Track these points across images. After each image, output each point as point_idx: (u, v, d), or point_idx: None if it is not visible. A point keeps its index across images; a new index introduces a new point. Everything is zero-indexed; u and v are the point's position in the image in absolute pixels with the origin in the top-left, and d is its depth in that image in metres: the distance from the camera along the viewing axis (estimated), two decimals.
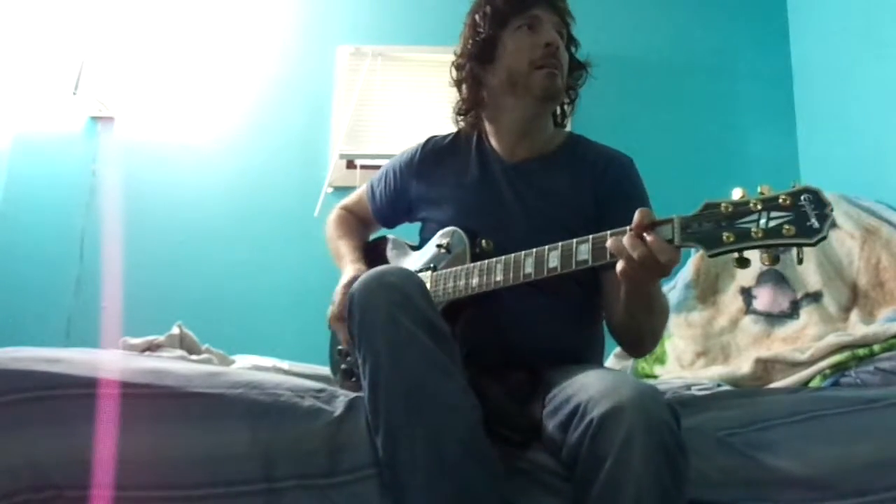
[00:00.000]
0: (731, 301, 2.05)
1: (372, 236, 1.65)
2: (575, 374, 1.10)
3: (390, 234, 1.58)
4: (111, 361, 1.18)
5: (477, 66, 1.41)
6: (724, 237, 0.92)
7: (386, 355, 1.00)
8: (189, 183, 2.78)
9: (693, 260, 2.18)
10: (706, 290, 2.12)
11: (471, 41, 1.42)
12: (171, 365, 1.20)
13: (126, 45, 2.83)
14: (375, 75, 2.87)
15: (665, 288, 1.96)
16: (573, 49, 1.45)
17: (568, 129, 1.54)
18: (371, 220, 1.62)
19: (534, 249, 1.15)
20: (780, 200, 0.90)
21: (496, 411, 1.09)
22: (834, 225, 1.96)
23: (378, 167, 2.73)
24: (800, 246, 0.90)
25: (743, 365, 1.70)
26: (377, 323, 1.02)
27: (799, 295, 1.90)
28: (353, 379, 1.34)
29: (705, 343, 1.97)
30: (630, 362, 2.05)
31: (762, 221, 0.90)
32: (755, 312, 1.96)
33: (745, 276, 2.04)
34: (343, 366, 1.39)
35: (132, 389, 1.06)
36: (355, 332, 1.05)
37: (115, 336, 1.84)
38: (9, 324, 2.50)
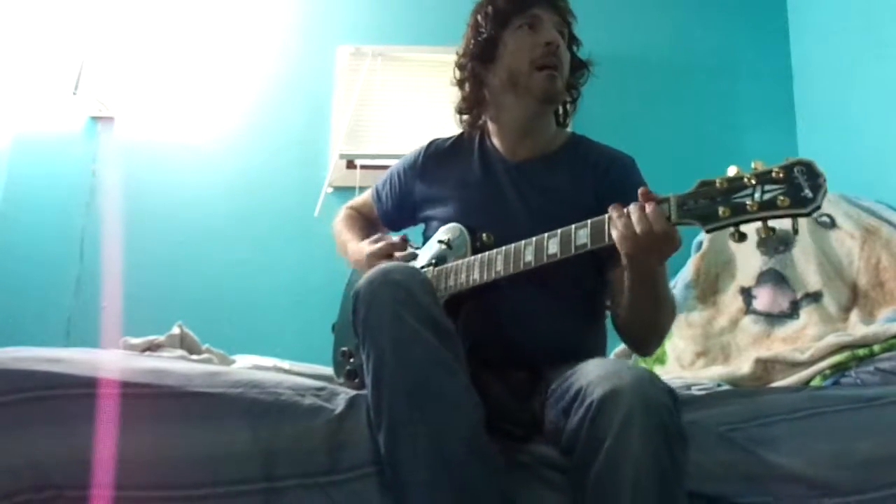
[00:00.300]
0: (731, 301, 2.05)
1: None
2: (576, 367, 1.10)
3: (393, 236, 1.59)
4: (112, 361, 1.18)
5: (478, 66, 1.42)
6: (721, 212, 0.94)
7: (390, 352, 1.00)
8: (189, 183, 2.78)
9: (693, 260, 2.18)
10: (706, 290, 2.12)
11: (472, 41, 1.43)
12: (172, 364, 1.20)
13: (126, 45, 2.83)
14: (375, 75, 2.87)
15: None
16: (575, 48, 1.46)
17: (569, 127, 1.54)
18: (378, 223, 1.63)
19: (533, 238, 1.16)
20: (774, 174, 0.91)
21: (497, 406, 1.09)
22: (834, 224, 1.97)
23: (378, 167, 2.77)
24: (795, 216, 0.91)
25: (743, 365, 1.70)
26: (382, 320, 1.02)
27: (799, 295, 1.90)
28: (357, 380, 1.34)
29: (705, 343, 1.97)
30: (630, 361, 2.05)
31: (757, 195, 0.92)
32: (755, 312, 1.96)
33: (745, 277, 2.04)
34: (347, 367, 1.39)
35: (133, 389, 1.06)
36: (360, 328, 1.06)
37: (115, 336, 1.85)
38: (9, 324, 2.50)
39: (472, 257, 1.26)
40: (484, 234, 1.30)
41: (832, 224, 1.98)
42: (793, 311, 1.88)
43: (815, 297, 1.87)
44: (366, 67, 2.85)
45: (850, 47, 2.41)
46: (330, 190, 2.73)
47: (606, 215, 1.07)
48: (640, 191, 1.03)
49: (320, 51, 2.92)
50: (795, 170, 0.90)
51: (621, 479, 0.90)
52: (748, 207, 0.92)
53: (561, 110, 1.49)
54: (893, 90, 2.14)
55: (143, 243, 2.63)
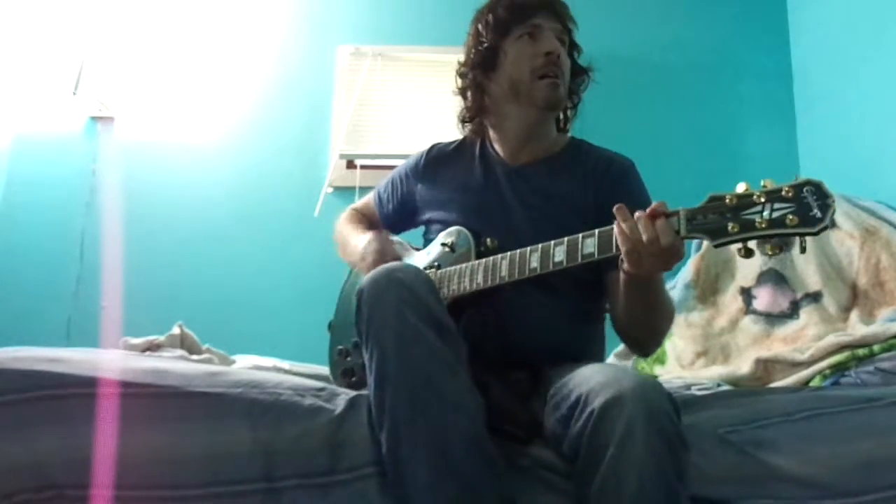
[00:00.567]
0: (730, 301, 2.05)
1: None
2: (575, 370, 1.10)
3: (395, 238, 1.58)
4: (112, 361, 1.19)
5: (480, 75, 1.43)
6: (730, 227, 0.95)
7: (393, 351, 1.01)
8: (189, 183, 2.78)
9: (693, 260, 2.18)
10: (706, 290, 2.12)
11: (474, 50, 1.44)
12: (172, 364, 1.20)
13: (126, 45, 2.83)
14: (375, 75, 2.87)
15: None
16: (575, 55, 1.46)
17: (570, 131, 1.54)
18: (379, 225, 1.63)
19: (539, 245, 1.17)
20: (784, 192, 0.92)
21: (499, 408, 1.09)
22: (834, 224, 1.96)
23: (378, 167, 2.78)
24: (803, 235, 0.92)
25: (743, 365, 1.70)
26: (385, 318, 1.03)
27: (799, 295, 1.90)
28: (354, 378, 1.34)
29: (705, 343, 1.97)
30: (630, 362, 2.05)
31: (766, 212, 0.93)
32: (755, 312, 1.96)
33: (745, 277, 2.04)
34: (343, 365, 1.39)
35: (133, 389, 1.06)
36: (363, 327, 1.06)
37: (115, 336, 1.85)
38: (9, 324, 2.50)
39: (476, 262, 1.26)
40: (488, 239, 1.30)
41: (832, 224, 1.98)
42: (793, 311, 1.88)
43: (814, 297, 1.87)
44: (366, 67, 2.86)
45: (850, 47, 2.41)
46: (330, 190, 2.73)
47: (614, 226, 1.06)
48: (653, 204, 1.03)
49: (320, 51, 2.92)
50: (805, 189, 0.91)
51: (625, 487, 0.90)
52: (757, 224, 0.93)
53: (562, 116, 1.50)
54: (893, 90, 2.14)
55: (143, 243, 2.63)
